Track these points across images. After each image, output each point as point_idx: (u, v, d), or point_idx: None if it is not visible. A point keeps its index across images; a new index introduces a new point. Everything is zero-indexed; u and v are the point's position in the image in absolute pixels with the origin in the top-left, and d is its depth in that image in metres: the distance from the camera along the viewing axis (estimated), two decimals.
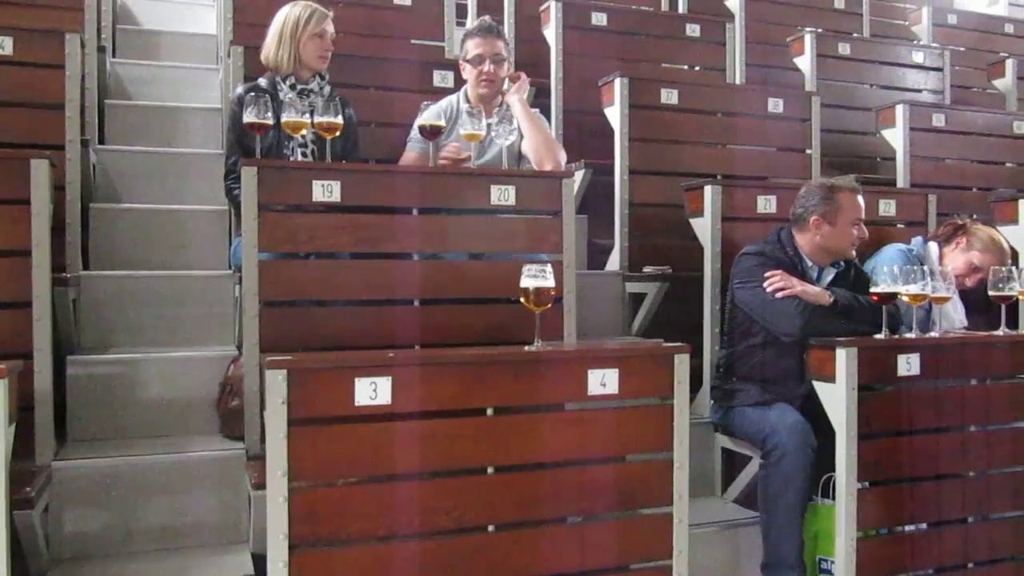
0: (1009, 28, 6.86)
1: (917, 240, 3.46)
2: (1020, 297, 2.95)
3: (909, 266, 2.74)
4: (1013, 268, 2.93)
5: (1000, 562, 2.89)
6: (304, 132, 2.98)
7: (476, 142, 3.00)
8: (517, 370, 2.22)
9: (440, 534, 2.18)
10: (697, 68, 5.05)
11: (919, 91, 5.57)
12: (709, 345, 3.31)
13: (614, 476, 2.35)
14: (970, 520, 2.85)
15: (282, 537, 2.03)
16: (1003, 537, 2.90)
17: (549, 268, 2.33)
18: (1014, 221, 3.90)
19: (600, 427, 2.33)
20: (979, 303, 3.29)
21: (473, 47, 3.26)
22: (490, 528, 2.23)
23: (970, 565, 2.82)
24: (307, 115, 2.87)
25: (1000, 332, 2.92)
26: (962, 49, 6.39)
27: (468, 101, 3.32)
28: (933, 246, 3.41)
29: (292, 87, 3.25)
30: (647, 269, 3.73)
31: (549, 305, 2.35)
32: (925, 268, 2.76)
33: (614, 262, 3.91)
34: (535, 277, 2.30)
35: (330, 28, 3.29)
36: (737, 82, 5.31)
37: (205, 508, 2.74)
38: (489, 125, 3.04)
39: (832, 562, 2.69)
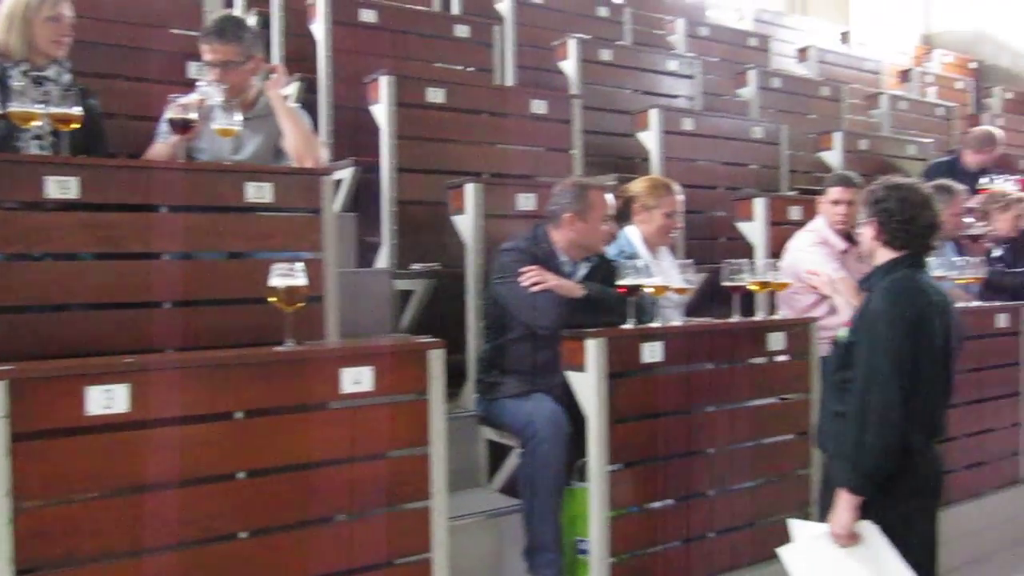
0: (753, 42, 7.48)
1: (622, 234, 3.59)
2: (752, 287, 3.21)
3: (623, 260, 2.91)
4: (745, 260, 3.19)
5: (740, 529, 3.14)
6: (38, 123, 2.75)
7: (230, 138, 2.89)
8: (266, 372, 2.18)
9: (189, 545, 2.10)
10: (471, 69, 5.15)
11: (675, 97, 5.95)
12: (473, 340, 3.38)
13: (373, 473, 2.36)
14: (712, 493, 3.07)
15: (7, 563, 1.87)
16: (742, 506, 3.16)
17: (300, 266, 2.29)
18: (750, 218, 4.26)
19: (357, 425, 2.33)
20: None
21: (204, 52, 3.12)
22: (242, 535, 2.17)
23: (712, 534, 3.06)
24: (42, 105, 2.65)
25: (734, 319, 3.18)
26: (714, 59, 6.92)
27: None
28: (630, 230, 3.59)
29: (25, 74, 2.99)
30: (415, 266, 3.75)
31: (302, 304, 2.31)
32: (639, 261, 2.92)
33: (382, 260, 3.91)
34: (285, 276, 2.26)
35: (68, 11, 3.05)
36: (508, 84, 5.46)
37: None
38: (245, 120, 2.94)
39: (588, 542, 2.82)
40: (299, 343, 2.32)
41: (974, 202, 5.04)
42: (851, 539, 2.38)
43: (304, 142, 3.11)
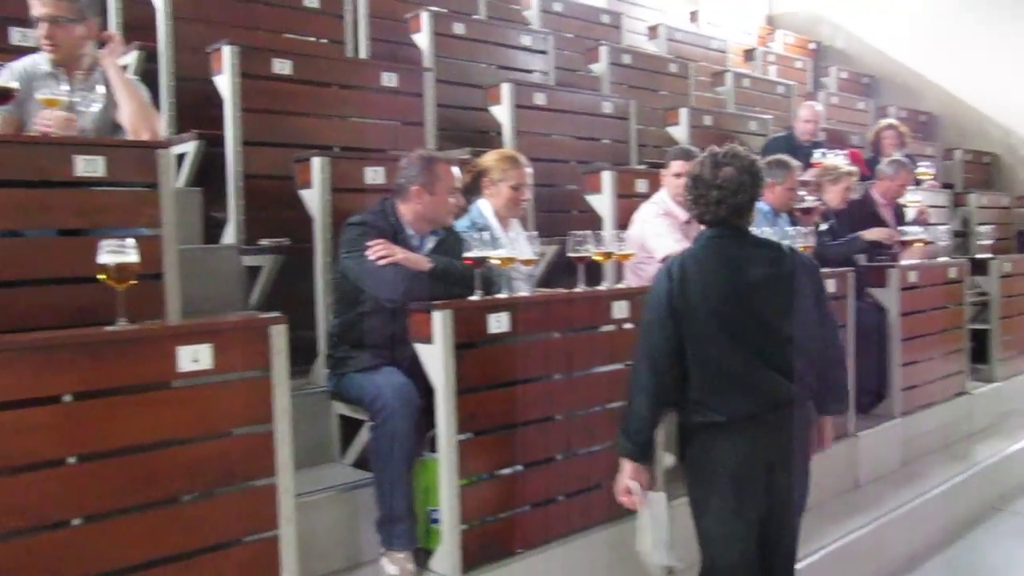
0: (606, 19, 7.65)
1: (474, 207, 3.67)
2: (596, 258, 3.31)
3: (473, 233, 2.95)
4: (590, 232, 3.28)
5: (589, 491, 3.24)
6: None
7: (57, 108, 2.75)
8: (95, 352, 2.09)
9: (17, 535, 2.01)
10: (323, 40, 5.06)
11: (530, 72, 6.03)
12: (323, 315, 3.36)
13: (217, 452, 2.32)
14: (561, 457, 3.17)
15: None
16: (587, 470, 3.25)
17: (131, 242, 2.22)
18: (599, 191, 4.39)
19: (197, 405, 2.28)
20: None
21: (33, 4, 2.93)
22: (76, 522, 2.10)
23: (560, 498, 3.15)
24: None
25: (579, 289, 3.27)
26: (568, 35, 7.03)
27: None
28: (482, 203, 3.66)
29: None
30: (263, 242, 3.68)
31: (135, 282, 2.24)
32: (485, 234, 2.97)
33: (229, 235, 3.81)
34: (114, 252, 2.18)
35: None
36: (362, 56, 5.39)
37: None
38: (75, 90, 2.80)
39: (440, 511, 2.87)
40: (133, 322, 2.24)
41: (809, 175, 5.35)
42: (629, 498, 2.57)
43: (140, 114, 2.99)
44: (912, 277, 4.96)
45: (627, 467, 2.57)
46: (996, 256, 6.07)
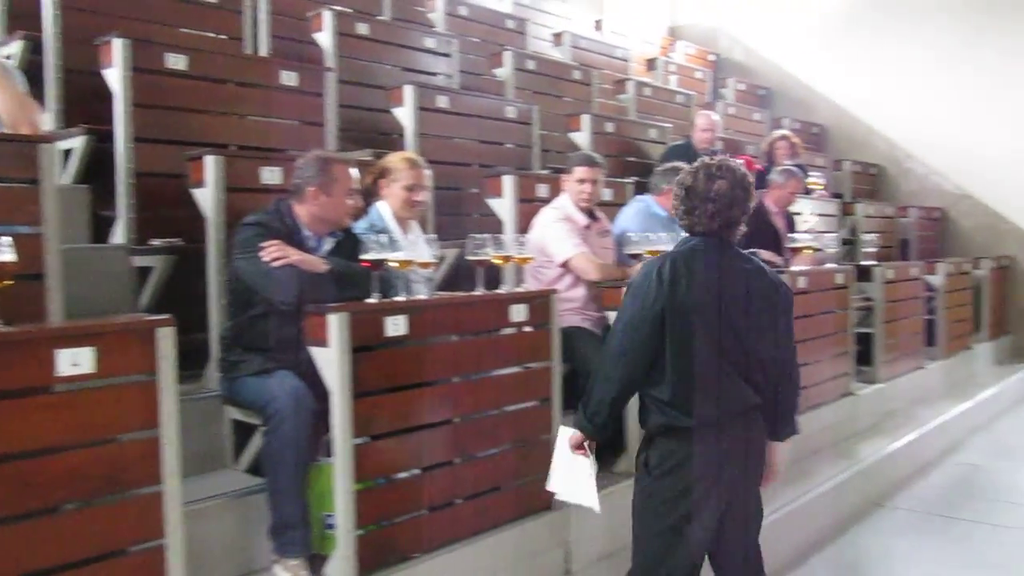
0: (511, 24, 7.70)
1: (373, 209, 3.65)
2: (496, 261, 3.33)
3: (371, 235, 2.94)
4: (490, 235, 3.30)
5: (486, 494, 3.25)
6: None
7: None
8: None
9: None
10: (222, 36, 4.94)
11: (434, 75, 6.01)
12: (216, 317, 3.28)
13: (100, 459, 2.23)
14: (458, 461, 3.17)
15: None
16: (488, 472, 3.28)
17: (7, 240, 2.12)
18: (500, 195, 4.41)
19: (79, 409, 2.19)
20: None
21: None
22: None
23: (459, 501, 3.16)
24: None
25: (478, 292, 3.28)
26: (474, 40, 7.05)
27: None
28: (381, 205, 3.64)
29: None
30: (154, 242, 3.57)
31: (11, 282, 2.14)
32: (383, 236, 2.95)
33: (118, 235, 3.68)
34: None
35: None
36: (263, 54, 5.29)
37: None
38: None
39: (335, 516, 2.83)
40: (10, 324, 2.15)
41: None
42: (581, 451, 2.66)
43: (17, 106, 2.87)
44: (802, 282, 5.15)
45: (580, 437, 2.64)
46: (880, 263, 6.37)
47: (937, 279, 7.14)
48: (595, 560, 3.57)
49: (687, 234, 2.65)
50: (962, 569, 4.14)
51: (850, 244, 7.80)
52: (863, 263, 6.54)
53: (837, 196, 8.36)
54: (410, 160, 3.64)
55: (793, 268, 5.27)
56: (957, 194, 9.37)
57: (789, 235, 5.70)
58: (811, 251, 5.47)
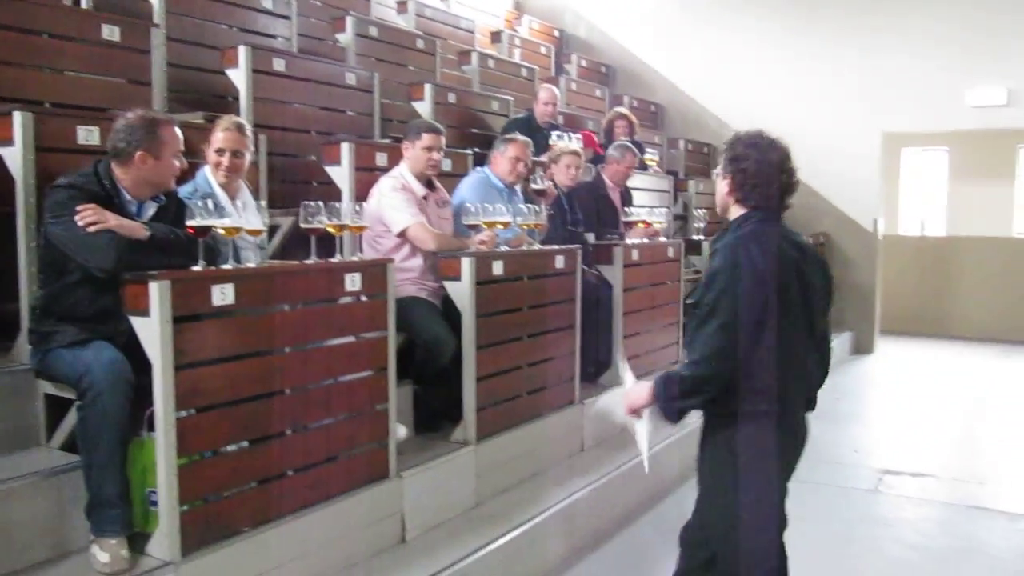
0: None
1: (200, 174, 3.55)
2: (329, 229, 3.27)
3: (196, 200, 2.83)
4: (323, 203, 3.24)
5: (319, 465, 3.21)
6: None
7: None
8: None
9: None
10: None
11: (273, 37, 5.81)
12: (26, 286, 3.07)
13: None
14: (290, 432, 3.11)
15: None
16: (322, 443, 3.23)
17: None
18: (337, 163, 4.33)
19: None
20: None
21: None
22: None
23: (290, 472, 3.10)
24: None
25: (311, 261, 3.22)
26: (315, 3, 6.85)
27: None
28: (208, 170, 3.55)
29: None
30: None
31: None
32: (209, 201, 2.83)
33: None
34: None
35: None
36: (84, 6, 4.95)
37: None
38: None
39: (157, 492, 2.73)
40: None
41: (544, 156, 5.60)
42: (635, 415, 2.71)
43: None
44: (635, 255, 5.34)
45: (647, 404, 2.62)
46: (709, 238, 6.68)
47: None
48: (431, 528, 3.61)
49: (743, 211, 2.52)
50: None
51: (682, 220, 8.15)
52: (693, 237, 6.85)
53: (672, 173, 8.69)
54: (220, 121, 3.54)
55: (628, 241, 5.46)
56: None
57: (625, 208, 5.90)
58: (644, 225, 5.68)
